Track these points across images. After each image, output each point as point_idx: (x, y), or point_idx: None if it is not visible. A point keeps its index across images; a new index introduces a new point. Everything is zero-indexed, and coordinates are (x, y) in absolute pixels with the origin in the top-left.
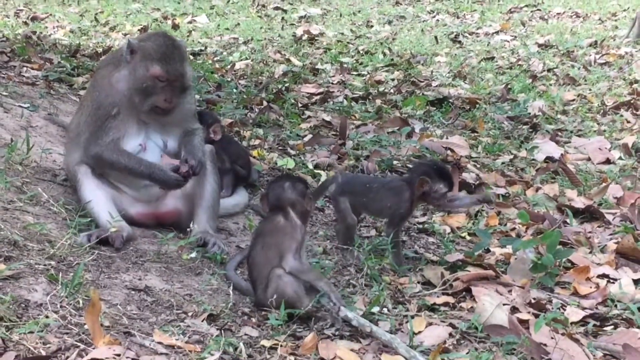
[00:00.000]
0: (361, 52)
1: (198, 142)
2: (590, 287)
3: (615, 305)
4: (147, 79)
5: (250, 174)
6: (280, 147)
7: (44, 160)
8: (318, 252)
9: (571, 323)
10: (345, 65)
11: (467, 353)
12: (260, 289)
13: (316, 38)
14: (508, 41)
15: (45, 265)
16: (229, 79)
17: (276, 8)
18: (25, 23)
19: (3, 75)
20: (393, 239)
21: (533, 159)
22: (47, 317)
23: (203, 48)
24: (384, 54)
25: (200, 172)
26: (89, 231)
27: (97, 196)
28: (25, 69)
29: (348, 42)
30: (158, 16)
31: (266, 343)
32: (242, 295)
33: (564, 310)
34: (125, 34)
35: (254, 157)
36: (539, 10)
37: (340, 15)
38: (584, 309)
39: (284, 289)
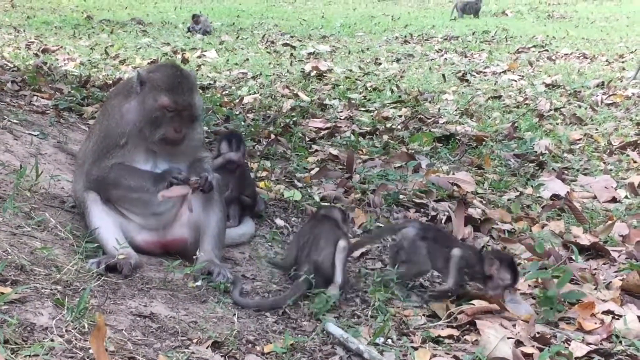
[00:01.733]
0: (369, 88)
1: (208, 167)
2: (595, 323)
3: (620, 342)
4: (156, 109)
5: (256, 204)
6: (287, 179)
7: (52, 187)
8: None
9: (575, 358)
10: (353, 101)
11: None
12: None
13: (324, 74)
14: (515, 80)
15: (51, 289)
16: (237, 112)
17: (285, 44)
18: (36, 55)
19: (14, 104)
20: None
21: (539, 196)
22: (52, 340)
23: (212, 82)
24: (392, 91)
25: (207, 201)
26: (98, 257)
27: (105, 223)
28: (35, 98)
29: (356, 79)
30: (168, 50)
31: None
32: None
33: (569, 345)
34: (135, 67)
35: (261, 188)
36: (546, 50)
37: (349, 53)
38: (588, 344)
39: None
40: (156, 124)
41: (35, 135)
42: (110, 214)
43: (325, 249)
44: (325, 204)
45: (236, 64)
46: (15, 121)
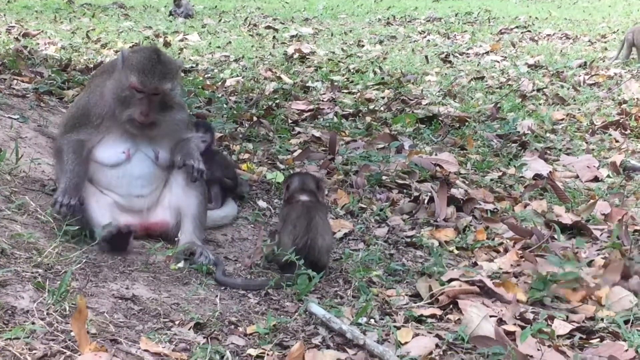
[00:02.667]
0: (352, 70)
1: (193, 148)
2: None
3: (602, 319)
4: (126, 89)
5: (237, 186)
6: (269, 162)
7: (32, 170)
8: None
9: (558, 336)
10: (335, 83)
11: None
12: (323, 254)
13: (307, 57)
14: (498, 61)
15: (32, 273)
16: (220, 95)
17: (267, 27)
18: (17, 39)
19: None
20: None
21: (522, 176)
22: (33, 323)
23: (194, 65)
24: (375, 73)
25: (187, 183)
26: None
27: (91, 202)
28: (15, 81)
29: (339, 61)
30: (150, 34)
31: (253, 352)
32: (246, 290)
33: (551, 323)
34: (116, 51)
35: (243, 170)
36: (529, 31)
37: (332, 35)
38: (571, 322)
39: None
40: (125, 103)
41: (15, 119)
42: (95, 193)
43: (326, 234)
44: (297, 171)
45: (218, 47)
46: None
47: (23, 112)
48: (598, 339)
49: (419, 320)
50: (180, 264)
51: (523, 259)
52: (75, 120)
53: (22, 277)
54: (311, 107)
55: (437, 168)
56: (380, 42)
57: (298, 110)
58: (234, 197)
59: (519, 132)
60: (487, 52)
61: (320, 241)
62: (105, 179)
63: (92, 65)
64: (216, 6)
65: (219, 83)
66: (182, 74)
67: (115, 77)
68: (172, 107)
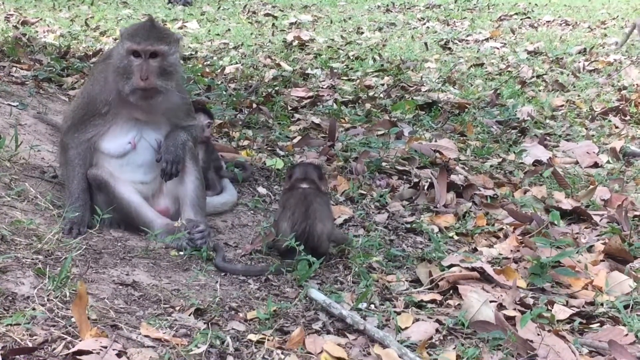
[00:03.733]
0: (351, 57)
1: (181, 138)
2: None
3: (602, 304)
4: (124, 57)
5: (221, 168)
6: (269, 148)
7: (32, 157)
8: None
9: (558, 321)
10: (335, 70)
11: (454, 348)
12: (323, 240)
13: (306, 44)
14: (498, 48)
15: (32, 259)
16: (219, 82)
17: (267, 15)
18: (16, 27)
19: None
20: None
21: (521, 162)
22: (34, 309)
23: (193, 52)
24: (374, 60)
25: (182, 170)
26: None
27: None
28: (14, 69)
29: (338, 48)
30: None
31: (253, 337)
32: (247, 276)
33: (551, 308)
34: (115, 39)
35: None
36: (528, 18)
37: (331, 22)
38: (571, 307)
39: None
40: (125, 73)
41: (14, 106)
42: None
43: (326, 220)
44: (300, 161)
45: (218, 34)
46: None
47: (22, 99)
48: (598, 324)
49: (419, 305)
50: (181, 251)
51: (523, 245)
52: (82, 110)
53: (22, 264)
54: (310, 94)
55: (437, 154)
56: (380, 29)
57: (297, 97)
58: (233, 182)
59: (518, 118)
60: (486, 39)
61: (319, 227)
62: (109, 166)
63: (91, 53)
64: None
65: (218, 70)
66: (182, 62)
67: (114, 55)
68: (169, 73)
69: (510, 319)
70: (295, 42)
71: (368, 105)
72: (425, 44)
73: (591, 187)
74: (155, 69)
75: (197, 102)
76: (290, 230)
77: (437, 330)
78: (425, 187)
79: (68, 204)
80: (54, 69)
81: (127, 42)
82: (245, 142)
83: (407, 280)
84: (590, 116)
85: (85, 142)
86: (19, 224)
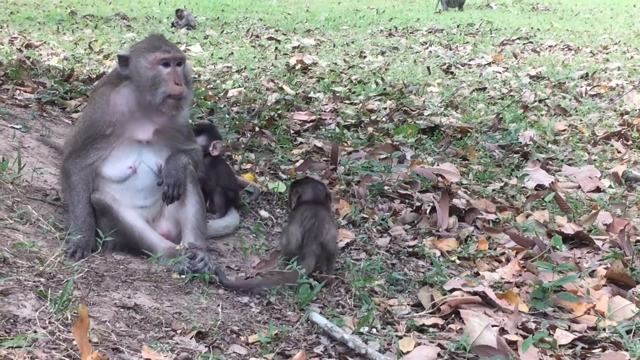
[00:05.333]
0: (354, 81)
1: (181, 162)
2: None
3: (604, 329)
4: (152, 68)
5: (238, 197)
6: (271, 172)
7: (35, 180)
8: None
9: (560, 346)
10: (337, 94)
11: None
12: (332, 237)
13: (309, 67)
14: (500, 72)
15: (34, 282)
16: (222, 105)
17: (270, 38)
18: (20, 50)
19: None
20: None
21: (524, 187)
22: (35, 332)
23: (197, 76)
24: (377, 84)
25: (182, 193)
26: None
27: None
28: (18, 92)
29: (341, 72)
30: None
31: None
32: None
33: (553, 332)
34: None
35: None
36: (531, 42)
37: (334, 46)
38: (573, 331)
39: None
40: (156, 83)
41: (17, 129)
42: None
43: (332, 226)
44: (306, 177)
45: (221, 58)
46: None
47: (26, 122)
48: (600, 349)
49: (421, 329)
50: (183, 275)
51: (525, 269)
52: (84, 135)
53: (24, 286)
54: (313, 117)
55: (439, 178)
56: (382, 53)
57: (300, 120)
58: (236, 206)
59: (520, 142)
60: (489, 63)
61: (327, 226)
62: (109, 191)
63: (94, 76)
64: (218, 17)
65: (221, 94)
66: None
67: (127, 82)
68: (190, 81)
69: (512, 343)
70: (298, 66)
71: (370, 129)
72: (428, 68)
73: (593, 211)
74: (182, 76)
75: (201, 124)
76: (300, 231)
77: (438, 355)
78: (428, 211)
79: (73, 227)
80: (58, 92)
81: (152, 53)
82: (248, 166)
83: (408, 305)
84: (592, 141)
85: (87, 167)
86: (21, 247)
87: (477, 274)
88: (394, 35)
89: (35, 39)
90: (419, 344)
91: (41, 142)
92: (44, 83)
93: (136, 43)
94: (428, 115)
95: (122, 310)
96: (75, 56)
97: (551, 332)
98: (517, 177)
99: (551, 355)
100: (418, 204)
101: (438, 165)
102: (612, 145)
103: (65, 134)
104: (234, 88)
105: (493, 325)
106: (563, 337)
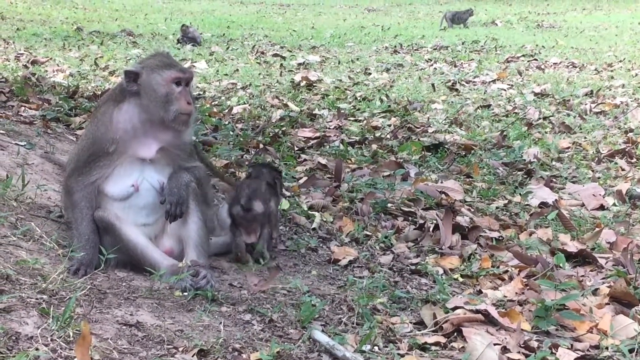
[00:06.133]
0: (359, 98)
1: (184, 179)
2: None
3: (607, 348)
4: (165, 86)
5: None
6: None
7: (38, 196)
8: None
9: None
10: (342, 111)
11: None
12: None
13: (314, 84)
14: (505, 90)
15: (37, 299)
16: (227, 122)
17: (275, 55)
18: (26, 66)
19: (1, 114)
20: None
21: (527, 204)
22: (37, 349)
23: (202, 93)
24: (381, 101)
25: (185, 211)
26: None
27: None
28: (23, 108)
29: (346, 89)
30: None
31: None
32: None
33: (556, 351)
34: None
35: None
36: (535, 60)
37: (339, 63)
38: (575, 350)
39: None
40: (168, 101)
41: (22, 146)
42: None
43: None
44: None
45: (226, 74)
46: (2, 131)
47: (30, 138)
48: None
49: (423, 347)
50: (186, 292)
51: (528, 287)
52: (86, 152)
53: (26, 303)
54: (317, 134)
55: (443, 196)
56: (387, 70)
57: (304, 137)
58: None
59: (524, 160)
60: (493, 81)
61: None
62: (112, 209)
63: (99, 93)
64: (224, 34)
65: (226, 110)
66: None
67: (133, 98)
68: (194, 100)
69: None
70: (303, 83)
71: (374, 146)
72: (433, 85)
73: (597, 229)
74: (190, 95)
75: (203, 143)
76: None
77: None
78: (431, 229)
79: (76, 244)
80: (62, 109)
81: (167, 71)
82: None
83: (411, 322)
84: (596, 158)
85: (89, 184)
86: (24, 264)
87: (479, 292)
88: (398, 52)
89: (41, 55)
90: None
91: (45, 159)
92: (49, 100)
93: (144, 59)
94: (432, 132)
95: (124, 327)
96: (81, 72)
97: (553, 351)
98: (520, 194)
99: None
100: (421, 221)
101: (442, 182)
102: (616, 163)
103: (69, 151)
104: (239, 105)
105: (495, 344)
106: (565, 355)
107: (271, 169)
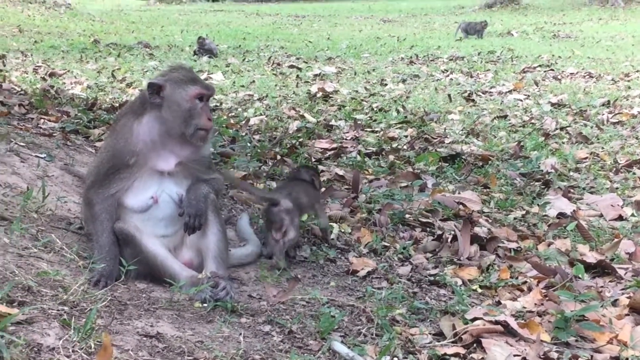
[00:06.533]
0: (375, 109)
1: (202, 191)
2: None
3: (627, 359)
4: (188, 101)
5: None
6: None
7: (59, 208)
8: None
9: None
10: (359, 122)
11: None
12: None
13: (330, 95)
14: (521, 100)
15: (58, 310)
16: (244, 134)
17: (291, 66)
18: (44, 79)
19: (20, 127)
20: None
21: (545, 215)
22: None
23: (218, 104)
24: (398, 112)
25: (204, 223)
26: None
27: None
28: (42, 120)
29: (362, 100)
30: None
31: None
32: None
33: None
34: (141, 90)
35: None
36: (552, 70)
37: (355, 74)
38: None
39: None
40: (190, 116)
41: (42, 158)
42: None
43: None
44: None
45: (242, 86)
46: (22, 144)
47: (50, 150)
48: None
49: (443, 359)
50: (205, 303)
51: (547, 298)
52: (106, 165)
53: (48, 315)
54: (334, 145)
55: (461, 206)
56: (403, 80)
57: (321, 148)
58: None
59: (542, 170)
60: (510, 91)
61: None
62: (132, 220)
63: (117, 104)
64: (240, 45)
65: (243, 122)
66: None
67: (155, 110)
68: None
69: None
70: (319, 94)
71: (392, 157)
72: (449, 95)
73: (615, 240)
74: (210, 109)
75: (221, 154)
76: None
77: None
78: (449, 240)
79: (97, 256)
80: (81, 121)
81: (193, 86)
82: None
83: (430, 334)
84: (614, 169)
85: (109, 197)
86: (45, 275)
87: (498, 302)
88: (414, 63)
89: (59, 68)
90: None
91: (65, 171)
92: (67, 112)
93: (167, 72)
94: (449, 143)
95: (144, 338)
96: (99, 84)
97: None
98: (538, 205)
99: None
100: (439, 232)
101: (459, 193)
102: (634, 173)
103: (89, 163)
104: (256, 116)
105: (515, 355)
106: None
107: (308, 168)
